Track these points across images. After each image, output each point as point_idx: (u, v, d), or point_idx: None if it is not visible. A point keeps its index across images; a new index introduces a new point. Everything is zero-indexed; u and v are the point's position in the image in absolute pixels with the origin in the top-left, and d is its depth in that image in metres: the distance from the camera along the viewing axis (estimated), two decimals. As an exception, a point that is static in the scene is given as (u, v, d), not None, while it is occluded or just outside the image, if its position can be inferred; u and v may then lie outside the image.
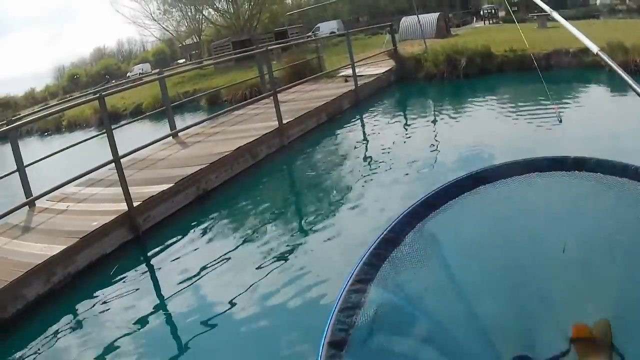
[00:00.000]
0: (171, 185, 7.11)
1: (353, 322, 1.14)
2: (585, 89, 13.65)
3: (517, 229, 1.52)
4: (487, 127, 10.52)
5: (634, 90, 1.90)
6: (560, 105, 10.97)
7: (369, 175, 8.20)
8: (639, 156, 1.68)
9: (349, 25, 29.14)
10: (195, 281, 5.38)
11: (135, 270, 5.86)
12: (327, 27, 28.83)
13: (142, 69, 44.98)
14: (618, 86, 11.92)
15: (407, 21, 23.48)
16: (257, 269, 5.42)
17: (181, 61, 45.80)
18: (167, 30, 45.43)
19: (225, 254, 5.91)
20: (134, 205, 6.45)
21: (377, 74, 15.15)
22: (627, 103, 10.39)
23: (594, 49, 2.12)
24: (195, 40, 47.70)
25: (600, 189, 1.42)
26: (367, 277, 1.23)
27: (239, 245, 6.18)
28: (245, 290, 5.01)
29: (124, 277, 5.66)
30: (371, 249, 1.27)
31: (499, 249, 1.50)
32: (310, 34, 26.84)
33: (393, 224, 1.32)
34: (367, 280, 1.22)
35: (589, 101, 12.33)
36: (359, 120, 12.22)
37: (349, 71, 13.66)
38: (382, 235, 1.31)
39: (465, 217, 1.45)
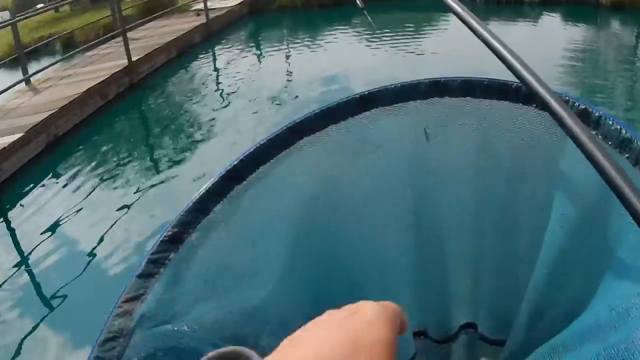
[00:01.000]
0: (22, 134, 6.98)
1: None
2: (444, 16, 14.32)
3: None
4: (343, 57, 10.78)
5: None
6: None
7: (222, 108, 8.38)
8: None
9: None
10: (55, 230, 5.39)
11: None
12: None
13: (2, 17, 41.92)
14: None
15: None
16: (116, 210, 5.52)
17: (40, 6, 42.97)
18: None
19: (83, 199, 5.93)
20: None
21: (229, 7, 15.07)
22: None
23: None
24: (52, -18, 44.87)
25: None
26: (138, 292, 0.98)
27: (95, 189, 6.19)
28: (106, 233, 5.14)
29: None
30: (147, 257, 1.02)
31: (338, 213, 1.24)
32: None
33: (181, 214, 1.08)
34: (138, 297, 0.98)
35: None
36: (211, 54, 12.26)
37: (201, 5, 13.58)
38: (164, 234, 1.05)
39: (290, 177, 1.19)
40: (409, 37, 11.94)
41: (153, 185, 5.96)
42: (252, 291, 1.13)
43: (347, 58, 10.73)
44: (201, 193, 1.08)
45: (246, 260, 1.15)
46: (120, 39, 10.27)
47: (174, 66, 11.05)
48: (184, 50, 11.80)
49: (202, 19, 13.32)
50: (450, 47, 9.73)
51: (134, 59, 9.74)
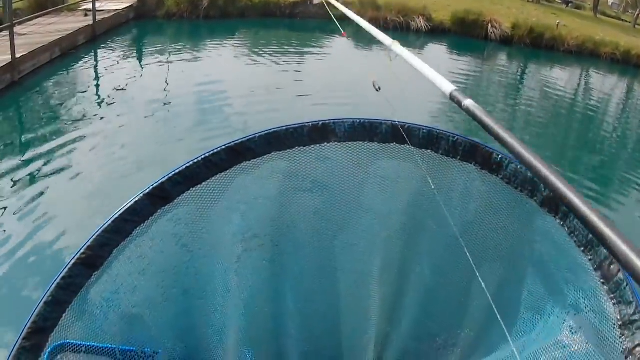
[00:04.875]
0: None
1: None
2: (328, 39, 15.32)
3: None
4: (223, 69, 11.32)
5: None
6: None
7: (102, 113, 8.43)
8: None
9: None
10: None
11: None
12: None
13: None
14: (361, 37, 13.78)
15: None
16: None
17: None
18: None
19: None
20: None
21: (116, 10, 14.88)
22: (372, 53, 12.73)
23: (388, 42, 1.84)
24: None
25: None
26: (47, 324, 0.91)
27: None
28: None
29: None
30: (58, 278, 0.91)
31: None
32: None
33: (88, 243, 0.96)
34: (47, 330, 0.90)
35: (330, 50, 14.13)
36: (93, 57, 12.11)
37: (90, 5, 13.36)
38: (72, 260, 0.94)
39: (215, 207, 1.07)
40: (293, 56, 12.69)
41: (28, 195, 5.74)
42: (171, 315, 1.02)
43: (226, 68, 11.39)
44: (121, 211, 0.94)
45: (162, 287, 1.02)
46: (6, 33, 9.77)
47: (57, 66, 10.81)
48: (68, 51, 11.60)
49: (89, 20, 13.14)
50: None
51: (17, 55, 9.49)
